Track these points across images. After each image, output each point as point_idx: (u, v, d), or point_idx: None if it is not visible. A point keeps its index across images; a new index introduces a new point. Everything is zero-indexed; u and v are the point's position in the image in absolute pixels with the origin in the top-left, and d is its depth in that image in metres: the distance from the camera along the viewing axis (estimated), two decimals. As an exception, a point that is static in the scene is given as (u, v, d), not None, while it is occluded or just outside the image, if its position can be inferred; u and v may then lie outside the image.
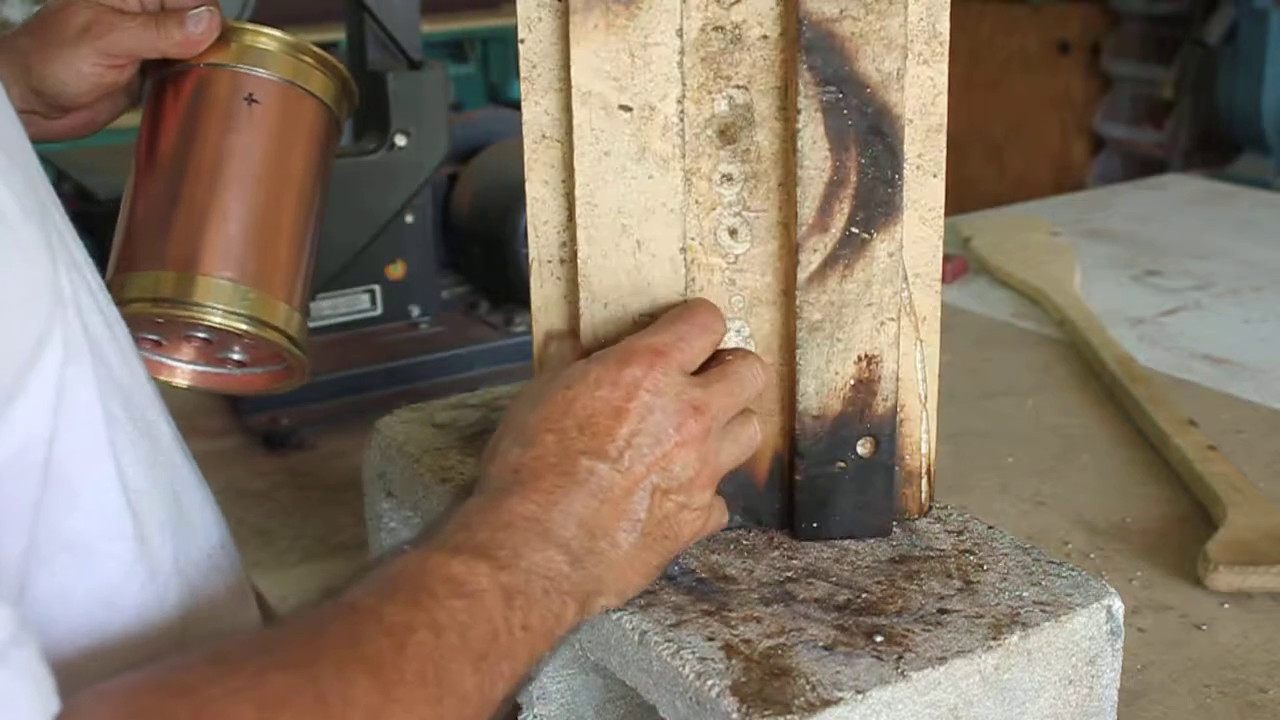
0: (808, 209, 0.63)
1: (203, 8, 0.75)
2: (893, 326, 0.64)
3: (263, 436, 1.12)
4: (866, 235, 0.63)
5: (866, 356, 0.65)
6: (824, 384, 0.65)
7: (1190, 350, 1.26)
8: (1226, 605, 0.83)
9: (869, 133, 0.62)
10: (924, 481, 0.69)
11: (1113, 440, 1.07)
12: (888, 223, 0.63)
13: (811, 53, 0.61)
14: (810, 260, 0.64)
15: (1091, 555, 0.88)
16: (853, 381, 0.65)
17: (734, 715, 0.56)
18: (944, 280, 1.50)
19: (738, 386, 0.63)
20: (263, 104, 0.74)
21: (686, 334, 0.62)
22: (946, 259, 1.49)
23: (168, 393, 0.64)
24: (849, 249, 0.63)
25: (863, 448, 0.66)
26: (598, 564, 0.58)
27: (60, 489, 0.50)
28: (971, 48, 4.15)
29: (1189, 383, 1.18)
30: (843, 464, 0.66)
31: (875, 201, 0.63)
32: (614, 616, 0.62)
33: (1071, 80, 3.92)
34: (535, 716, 0.72)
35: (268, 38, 0.76)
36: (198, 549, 0.60)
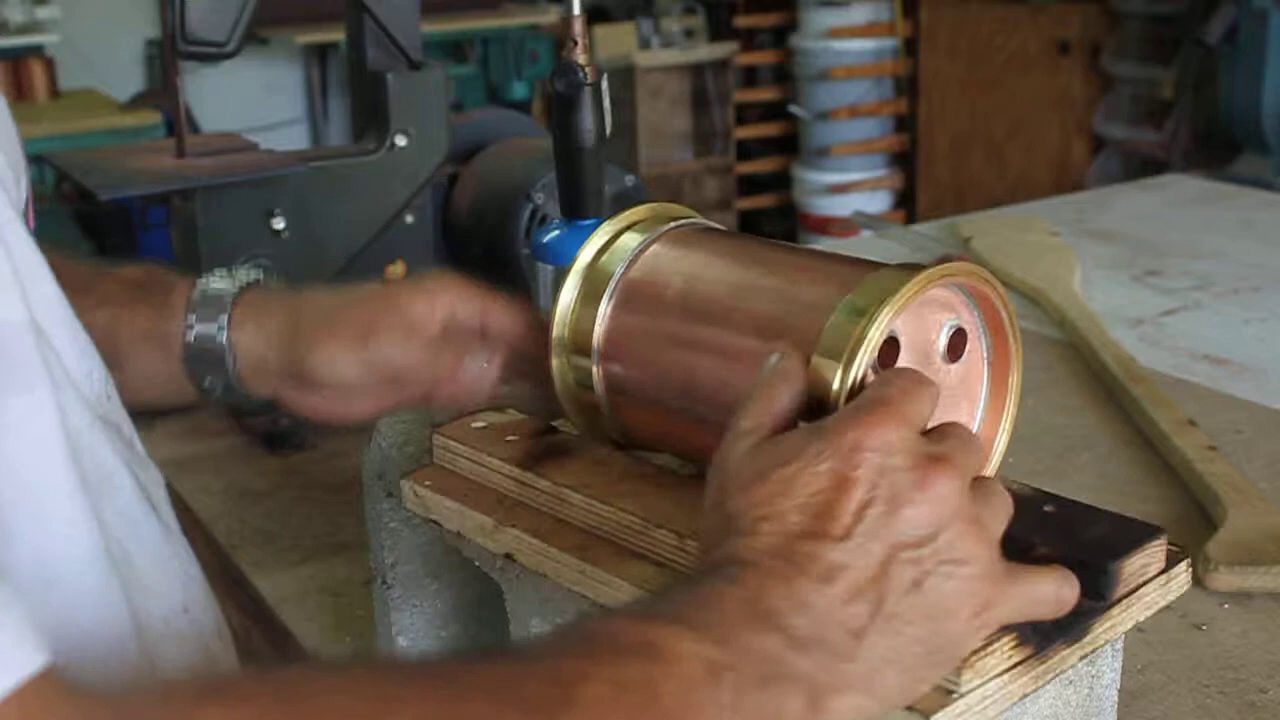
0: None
1: None
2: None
3: (263, 436, 1.12)
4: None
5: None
6: None
7: (1190, 350, 1.26)
8: (1226, 605, 0.83)
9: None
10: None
11: (1113, 440, 1.07)
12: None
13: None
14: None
15: (1091, 555, 0.88)
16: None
17: (734, 715, 0.56)
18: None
19: (973, 441, 0.54)
20: None
21: (908, 388, 0.53)
22: (947, 259, 1.49)
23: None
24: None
25: None
26: (831, 655, 0.49)
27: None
28: (971, 48, 4.16)
29: (1189, 383, 1.18)
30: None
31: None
32: (614, 617, 0.62)
33: (1071, 80, 3.93)
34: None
35: None
36: (154, 612, 0.57)
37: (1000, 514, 0.54)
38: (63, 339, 0.57)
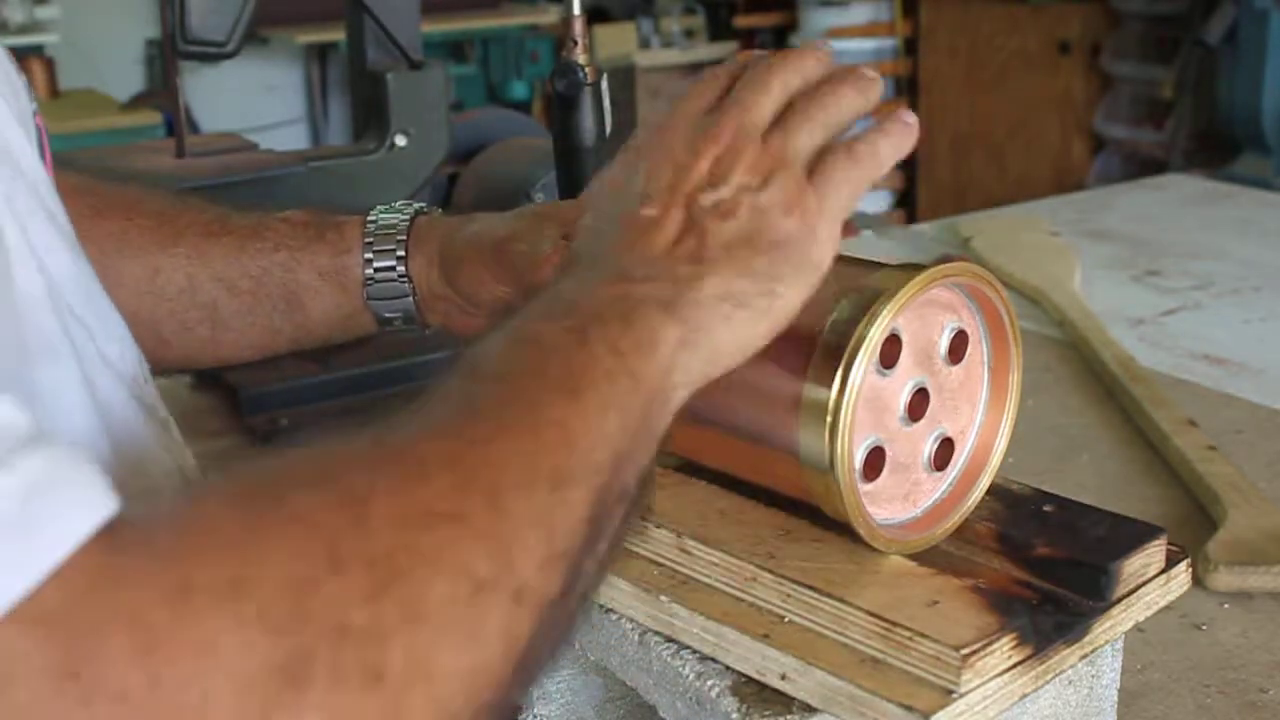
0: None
1: None
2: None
3: (263, 436, 1.12)
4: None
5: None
6: None
7: (1190, 350, 1.26)
8: (1226, 605, 0.83)
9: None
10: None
11: (1113, 440, 1.07)
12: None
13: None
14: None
15: (1091, 555, 0.88)
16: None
17: (734, 715, 0.56)
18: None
19: (759, 91, 0.57)
20: None
21: (684, 93, 0.59)
22: (947, 259, 1.49)
23: (168, 393, 0.64)
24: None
25: None
26: (677, 279, 0.52)
27: None
28: (971, 48, 4.16)
29: (1189, 383, 1.18)
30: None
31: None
32: (613, 617, 0.62)
33: (1071, 80, 3.93)
34: (535, 716, 0.72)
35: None
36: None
37: (799, 132, 0.55)
38: (91, 316, 0.57)
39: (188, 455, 0.63)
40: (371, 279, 0.77)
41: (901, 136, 0.57)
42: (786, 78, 0.57)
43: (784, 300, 0.53)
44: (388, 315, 0.78)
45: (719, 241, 0.53)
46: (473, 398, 0.47)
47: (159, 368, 0.79)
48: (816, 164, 0.55)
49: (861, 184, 0.56)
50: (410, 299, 0.77)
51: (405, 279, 0.77)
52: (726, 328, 0.52)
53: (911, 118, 0.57)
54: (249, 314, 0.79)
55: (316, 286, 0.78)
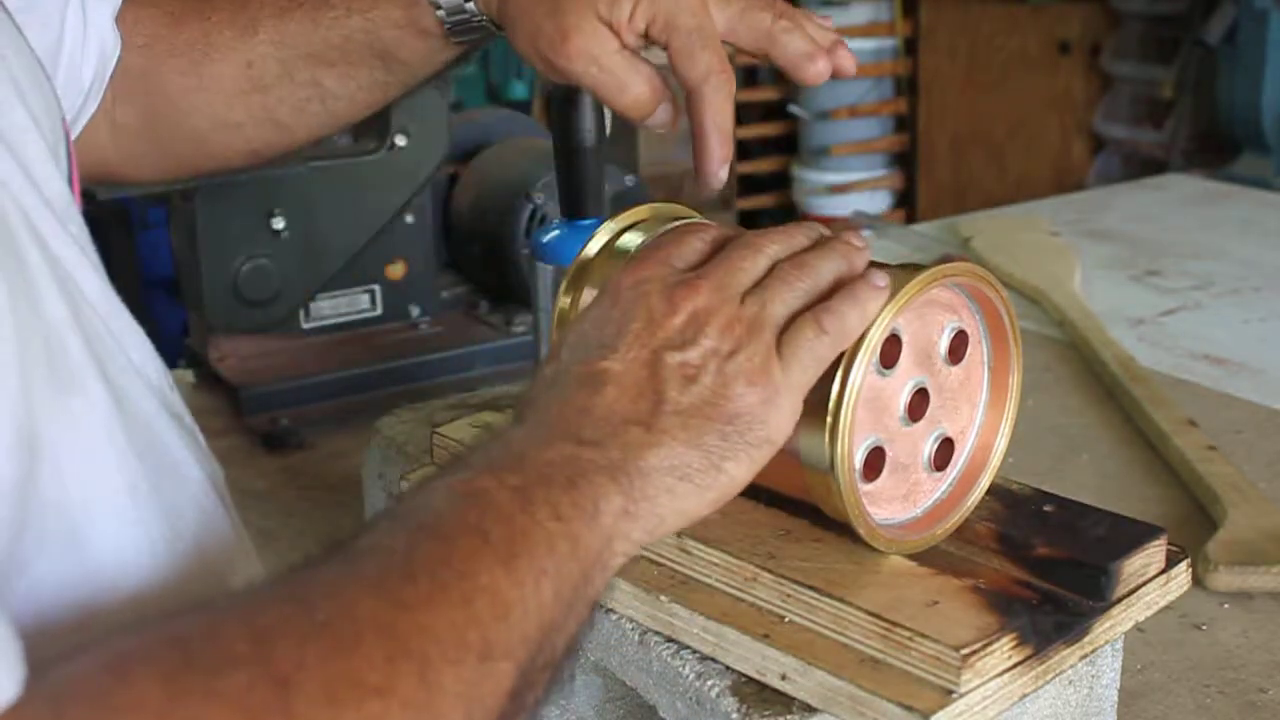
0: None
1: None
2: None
3: (263, 436, 1.12)
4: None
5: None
6: None
7: (1190, 350, 1.26)
8: (1226, 605, 0.84)
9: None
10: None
11: (1113, 440, 1.07)
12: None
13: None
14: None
15: (1091, 555, 0.88)
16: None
17: (734, 715, 0.56)
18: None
19: (746, 254, 0.58)
20: None
21: (671, 237, 0.60)
22: (947, 259, 1.49)
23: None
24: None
25: None
26: (626, 444, 0.52)
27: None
28: (971, 48, 4.16)
29: (1189, 383, 1.18)
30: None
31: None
32: (614, 617, 0.62)
33: (1071, 80, 3.93)
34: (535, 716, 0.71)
35: None
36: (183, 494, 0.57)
37: (789, 296, 0.56)
38: (119, 327, 0.57)
39: (216, 464, 0.63)
40: (445, 19, 0.77)
41: (870, 303, 0.57)
42: (776, 249, 0.58)
43: (729, 476, 0.54)
44: (471, 48, 0.79)
45: (675, 407, 0.53)
46: (410, 554, 0.47)
47: (286, 154, 0.83)
48: (785, 335, 0.55)
49: (828, 358, 0.56)
50: (487, 25, 0.77)
51: (479, 15, 0.76)
52: (670, 499, 0.52)
53: (883, 281, 0.57)
54: (350, 80, 0.80)
55: (399, 40, 0.78)
